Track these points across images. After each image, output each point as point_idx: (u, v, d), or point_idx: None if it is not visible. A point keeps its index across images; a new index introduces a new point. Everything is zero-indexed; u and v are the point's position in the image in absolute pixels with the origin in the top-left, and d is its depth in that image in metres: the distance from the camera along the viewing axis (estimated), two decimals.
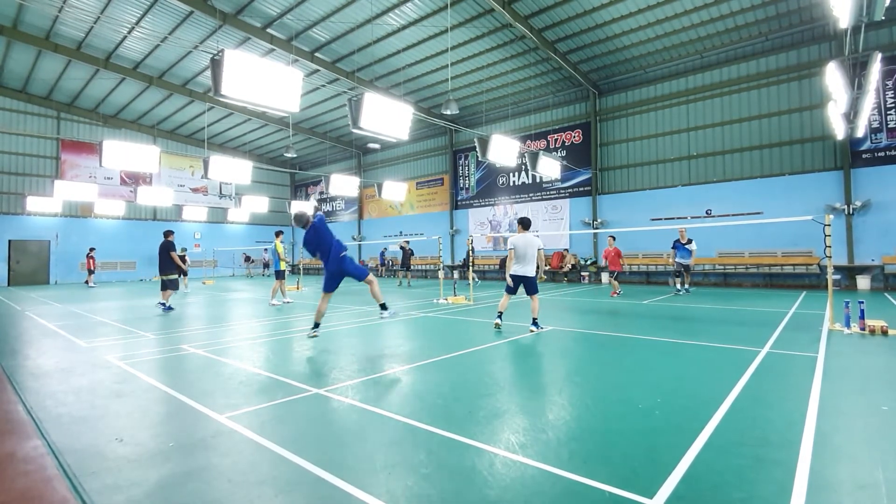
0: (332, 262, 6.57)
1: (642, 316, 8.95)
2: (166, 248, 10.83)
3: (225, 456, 2.89)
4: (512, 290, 7.30)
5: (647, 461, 2.71)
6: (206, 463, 2.79)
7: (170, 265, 10.80)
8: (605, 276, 18.04)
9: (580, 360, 5.51)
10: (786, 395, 3.94)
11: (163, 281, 10.72)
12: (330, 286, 6.67)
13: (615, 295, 12.80)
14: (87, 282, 21.64)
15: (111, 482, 2.56)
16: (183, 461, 2.81)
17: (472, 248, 19.50)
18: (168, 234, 11.15)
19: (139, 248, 25.94)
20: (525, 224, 7.19)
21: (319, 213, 6.95)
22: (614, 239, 13.42)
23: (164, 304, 10.51)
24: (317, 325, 6.81)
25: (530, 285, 7.16)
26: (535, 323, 7.16)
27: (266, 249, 30.07)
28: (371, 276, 6.75)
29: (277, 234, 12.48)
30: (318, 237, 6.60)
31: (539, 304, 7.28)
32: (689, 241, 12.63)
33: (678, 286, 12.96)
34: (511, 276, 7.17)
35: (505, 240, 22.16)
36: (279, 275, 12.04)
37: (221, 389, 4.35)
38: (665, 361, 5.23)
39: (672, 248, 12.95)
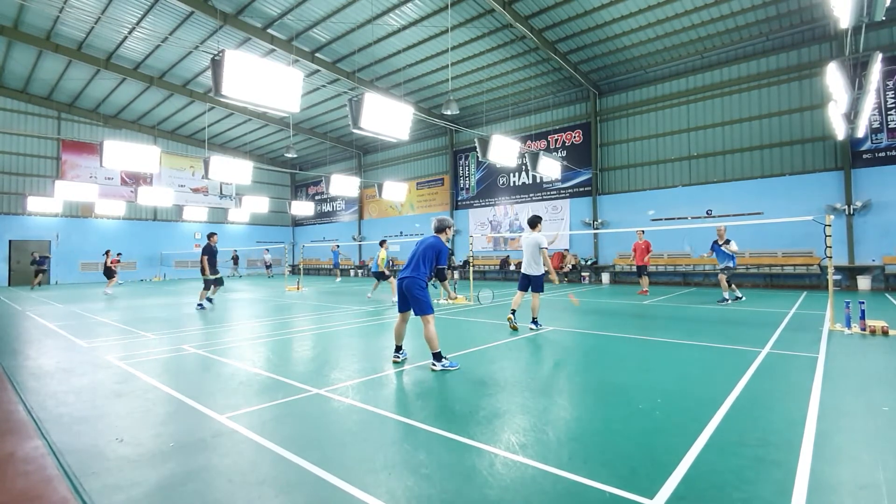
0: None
1: (642, 316, 8.95)
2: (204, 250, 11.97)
3: (225, 456, 2.89)
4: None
5: (647, 461, 2.71)
6: (207, 463, 2.80)
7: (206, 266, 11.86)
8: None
9: (580, 361, 5.51)
10: (786, 395, 3.94)
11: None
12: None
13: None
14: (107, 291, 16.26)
15: (111, 482, 2.56)
16: (183, 461, 2.81)
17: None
18: (210, 236, 12.28)
19: (140, 249, 25.88)
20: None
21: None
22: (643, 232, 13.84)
23: (201, 304, 11.49)
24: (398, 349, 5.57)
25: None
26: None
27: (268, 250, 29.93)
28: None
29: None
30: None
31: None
32: (728, 242, 11.00)
33: (725, 294, 11.06)
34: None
35: (505, 240, 22.18)
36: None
37: (222, 390, 4.35)
38: (665, 362, 5.22)
39: (710, 249, 11.40)
